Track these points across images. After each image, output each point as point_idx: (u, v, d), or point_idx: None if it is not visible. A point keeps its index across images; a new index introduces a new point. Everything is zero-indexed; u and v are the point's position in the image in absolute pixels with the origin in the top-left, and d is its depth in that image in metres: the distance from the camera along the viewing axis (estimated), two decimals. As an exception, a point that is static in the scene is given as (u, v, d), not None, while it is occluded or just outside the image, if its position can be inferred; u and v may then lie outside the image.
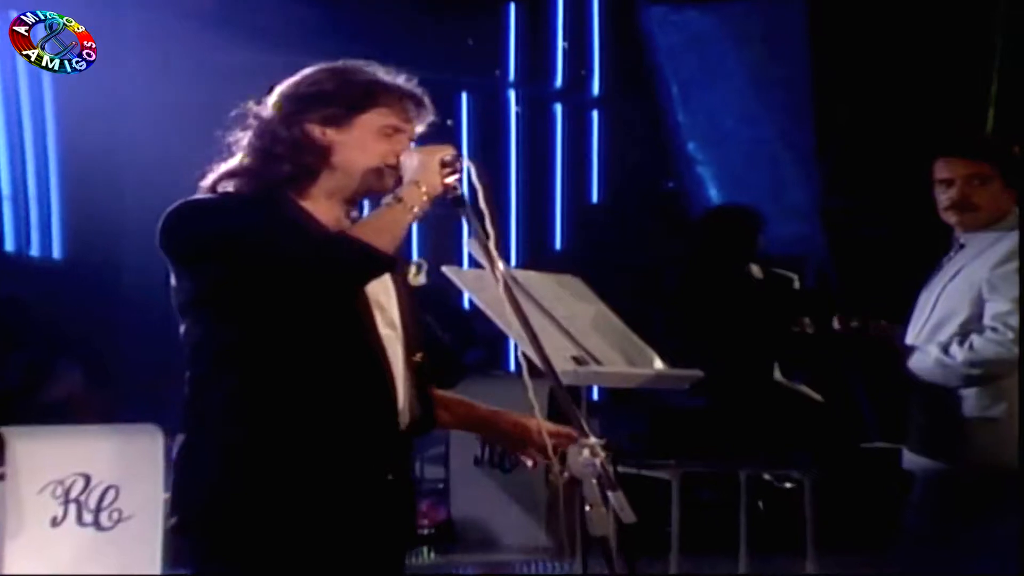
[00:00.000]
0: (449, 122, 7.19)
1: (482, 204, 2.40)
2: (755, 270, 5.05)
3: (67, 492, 4.21)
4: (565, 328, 3.28)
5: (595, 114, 8.41)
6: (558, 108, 8.36)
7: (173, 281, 2.43)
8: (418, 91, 2.50)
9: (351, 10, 6.88)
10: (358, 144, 2.46)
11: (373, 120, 2.46)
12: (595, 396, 5.96)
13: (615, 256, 7.37)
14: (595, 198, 8.44)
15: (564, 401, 2.35)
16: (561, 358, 3.14)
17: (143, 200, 6.25)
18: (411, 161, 2.43)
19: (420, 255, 2.59)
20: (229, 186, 2.44)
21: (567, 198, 8.30)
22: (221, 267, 2.33)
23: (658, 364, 3.41)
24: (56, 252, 6.74)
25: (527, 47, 8.18)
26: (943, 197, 3.69)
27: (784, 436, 4.88)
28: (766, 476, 5.28)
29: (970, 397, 3.58)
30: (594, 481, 2.28)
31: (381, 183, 2.46)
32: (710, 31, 7.65)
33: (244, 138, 2.46)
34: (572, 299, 3.44)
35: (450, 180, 2.41)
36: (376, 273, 2.39)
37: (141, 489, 4.25)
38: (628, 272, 6.84)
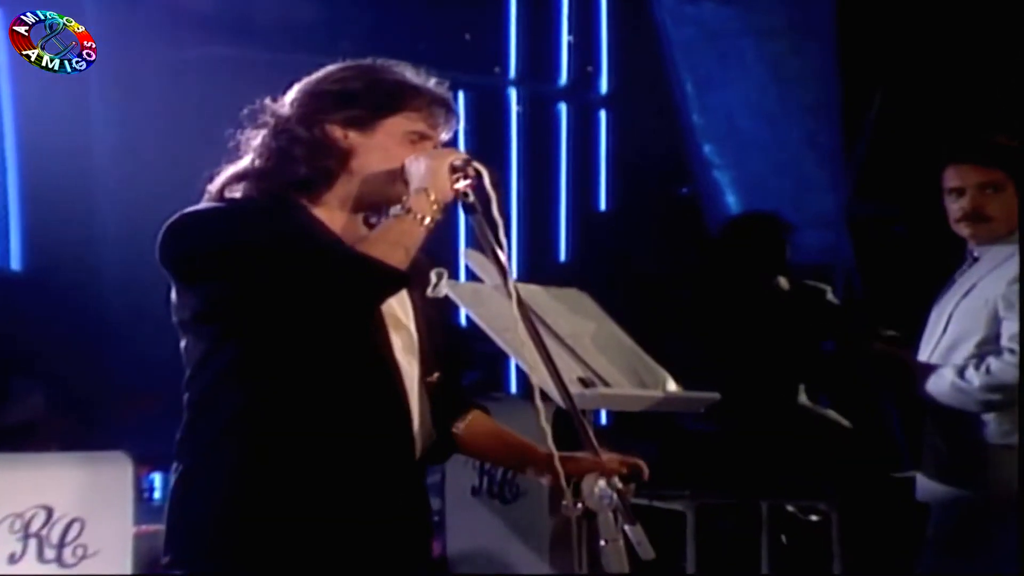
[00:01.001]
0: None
1: (495, 213, 2.41)
2: (783, 282, 5.04)
3: (27, 526, 4.19)
4: (570, 347, 3.28)
5: (603, 114, 8.40)
6: (563, 108, 8.35)
7: (174, 296, 2.44)
8: (448, 96, 2.52)
9: (338, 3, 6.88)
10: (381, 149, 2.47)
11: (399, 125, 2.48)
12: (603, 420, 5.95)
13: (624, 268, 7.36)
14: (603, 205, 8.42)
15: (580, 426, 2.34)
16: (565, 380, 3.13)
17: (116, 206, 6.30)
18: (417, 167, 2.43)
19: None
20: (238, 190, 2.45)
21: (572, 205, 8.28)
22: (227, 285, 2.34)
23: (671, 386, 3.41)
24: (14, 263, 6.72)
25: (529, 41, 8.17)
26: (954, 207, 3.71)
27: (809, 464, 4.87)
28: (789, 508, 5.26)
29: (990, 423, 3.59)
30: (610, 514, 2.27)
31: (399, 192, 2.46)
32: (728, 24, 7.64)
33: (257, 137, 2.48)
34: (577, 315, 3.44)
35: (460, 186, 2.40)
36: (389, 293, 2.39)
37: (108, 523, 4.24)
38: (639, 286, 6.84)
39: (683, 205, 7.95)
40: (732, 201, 7.66)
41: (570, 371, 3.21)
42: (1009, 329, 3.58)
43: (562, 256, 8.22)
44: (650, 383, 3.38)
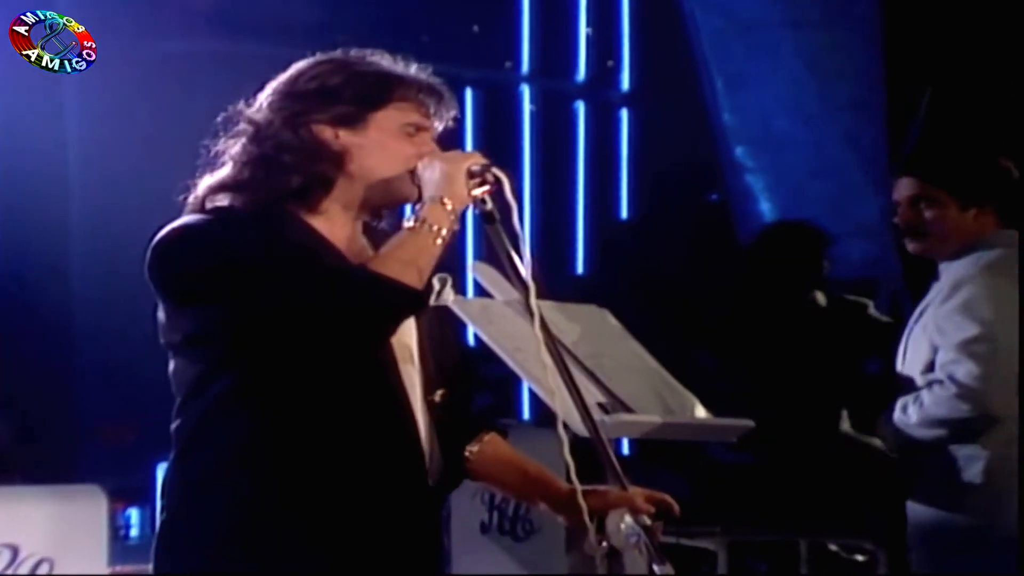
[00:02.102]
0: (451, 122, 7.19)
1: (516, 223, 2.41)
2: (820, 298, 5.03)
3: (-9, 566, 4.19)
4: (589, 369, 3.27)
5: (624, 113, 8.40)
6: (580, 106, 8.35)
7: (162, 316, 2.42)
8: (437, 82, 2.51)
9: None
10: (377, 147, 2.46)
11: (392, 118, 2.47)
12: (625, 450, 5.93)
13: (649, 283, 7.35)
14: (624, 213, 8.42)
15: (605, 456, 2.34)
16: (585, 404, 3.13)
17: (91, 210, 6.30)
18: (431, 172, 2.43)
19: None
20: (223, 201, 2.44)
21: (591, 213, 8.28)
22: (227, 306, 2.33)
23: (701, 412, 3.40)
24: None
25: (544, 33, 8.17)
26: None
27: (853, 498, 4.84)
28: (832, 546, 5.24)
29: (943, 460, 3.66)
30: (637, 553, 2.24)
31: (405, 192, 2.46)
32: (762, 14, 7.65)
33: (236, 146, 2.47)
34: (596, 334, 3.42)
35: (479, 192, 2.40)
36: (407, 315, 2.39)
37: (80, 563, 4.22)
38: (664, 302, 6.82)
39: (712, 213, 7.95)
40: (766, 208, 7.65)
41: (589, 396, 3.20)
42: (940, 358, 3.65)
43: (579, 268, 8.22)
44: (677, 409, 3.36)
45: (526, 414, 6.98)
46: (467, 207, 2.41)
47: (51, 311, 6.22)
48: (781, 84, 7.63)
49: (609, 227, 8.32)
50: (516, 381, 5.78)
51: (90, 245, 6.06)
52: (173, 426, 2.41)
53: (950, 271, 3.76)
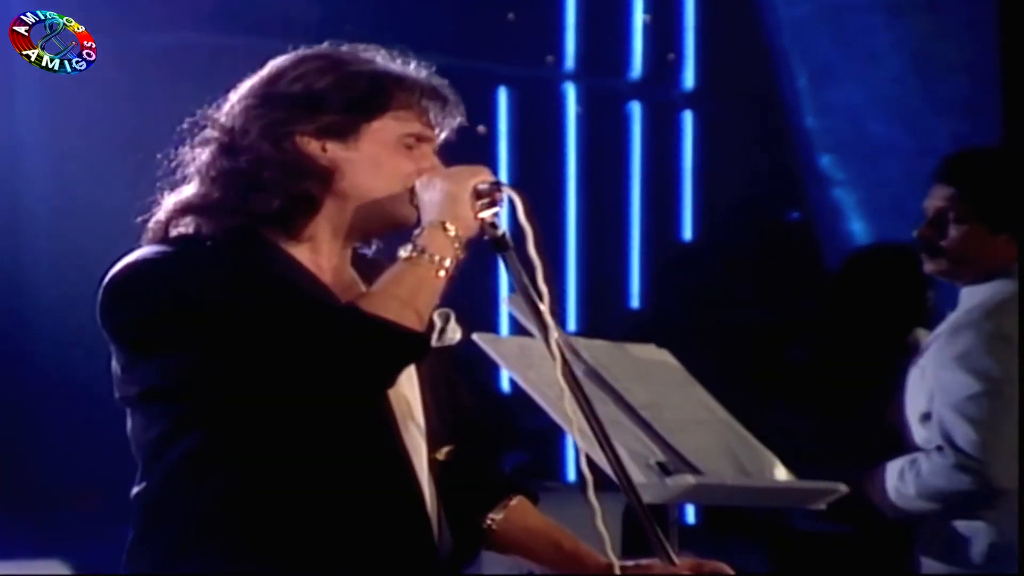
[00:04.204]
0: (482, 129, 7.20)
1: (532, 251, 2.41)
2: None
3: (-65, 655, 4.20)
4: (646, 421, 3.28)
5: (687, 116, 8.39)
6: (635, 108, 8.34)
7: (116, 367, 2.43)
8: (442, 84, 2.52)
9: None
10: (371, 163, 2.48)
11: (388, 129, 2.48)
12: (689, 518, 5.91)
13: (716, 317, 7.33)
14: (687, 234, 8.40)
15: (647, 524, 2.34)
16: (641, 464, 3.13)
17: (51, 237, 6.33)
18: (431, 192, 2.43)
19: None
20: (189, 226, 2.44)
21: (647, 234, 8.26)
22: (193, 355, 2.33)
23: (781, 473, 3.40)
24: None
25: (592, 23, 8.18)
26: None
27: None
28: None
29: (943, 535, 3.77)
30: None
31: (403, 215, 2.48)
32: (854, -1, 7.65)
33: (202, 156, 2.47)
34: (655, 380, 3.43)
35: (487, 214, 2.41)
36: (406, 364, 2.40)
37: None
38: (736, 340, 6.80)
39: (793, 234, 7.92)
40: (858, 229, 7.62)
41: (645, 453, 3.19)
42: (939, 415, 3.79)
43: (634, 302, 8.20)
44: (752, 469, 3.36)
45: (571, 475, 6.95)
46: (474, 233, 2.42)
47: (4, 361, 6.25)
48: (877, 80, 7.60)
49: (669, 252, 8.30)
50: (560, 435, 5.78)
51: (50, 271, 6.08)
52: (133, 492, 2.42)
53: (966, 300, 3.89)
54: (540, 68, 8.04)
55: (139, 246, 2.46)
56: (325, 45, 2.53)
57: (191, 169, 2.49)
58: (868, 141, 7.66)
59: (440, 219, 2.39)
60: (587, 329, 6.99)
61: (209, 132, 2.48)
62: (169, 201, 2.49)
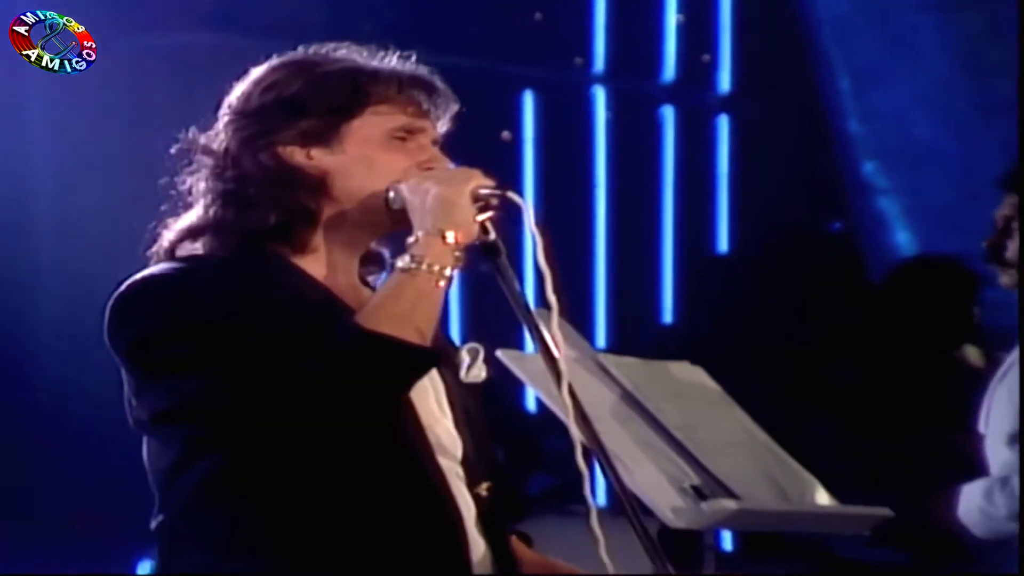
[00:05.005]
0: (506, 135, 7.21)
1: (541, 260, 2.41)
2: (972, 353, 5.00)
3: None
4: (680, 443, 3.27)
5: (723, 120, 8.39)
6: (668, 112, 8.34)
7: (128, 391, 2.46)
8: (423, 72, 2.54)
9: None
10: (362, 163, 2.49)
11: (372, 126, 2.50)
12: (726, 545, 5.89)
13: (753, 333, 7.32)
14: (723, 246, 8.39)
15: (649, 549, 2.33)
16: (674, 488, 3.13)
17: (57, 249, 6.33)
18: (422, 196, 2.44)
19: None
20: (197, 248, 2.48)
21: (680, 246, 8.26)
22: (201, 376, 2.35)
23: (822, 497, 3.39)
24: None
25: (623, 22, 8.19)
26: None
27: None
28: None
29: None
30: None
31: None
32: (899, -5, 7.64)
33: (200, 181, 2.51)
34: (690, 399, 3.43)
35: (483, 218, 2.44)
36: (412, 381, 2.40)
37: None
38: (774, 358, 6.79)
39: (834, 245, 7.91)
40: (903, 239, 7.61)
41: (679, 477, 3.19)
42: None
43: (667, 316, 8.20)
44: (793, 493, 3.36)
45: (602, 499, 6.95)
46: (474, 239, 2.43)
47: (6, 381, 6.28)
48: (924, 83, 7.59)
49: (703, 265, 8.29)
50: (588, 457, 5.76)
51: (58, 280, 6.10)
52: (153, 525, 2.42)
53: None
54: (568, 70, 8.04)
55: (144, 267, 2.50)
56: (299, 50, 2.56)
57: (191, 196, 2.53)
58: (914, 147, 7.65)
59: (437, 226, 2.39)
60: (617, 346, 6.98)
61: (198, 156, 2.52)
62: (173, 227, 2.53)
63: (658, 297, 8.19)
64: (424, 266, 2.38)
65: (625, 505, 2.43)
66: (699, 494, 3.19)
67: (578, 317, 3.45)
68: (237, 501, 2.37)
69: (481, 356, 2.53)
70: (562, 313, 2.45)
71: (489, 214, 2.45)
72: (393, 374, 2.36)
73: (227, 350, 2.34)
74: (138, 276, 2.45)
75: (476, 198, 2.44)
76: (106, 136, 5.86)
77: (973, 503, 3.88)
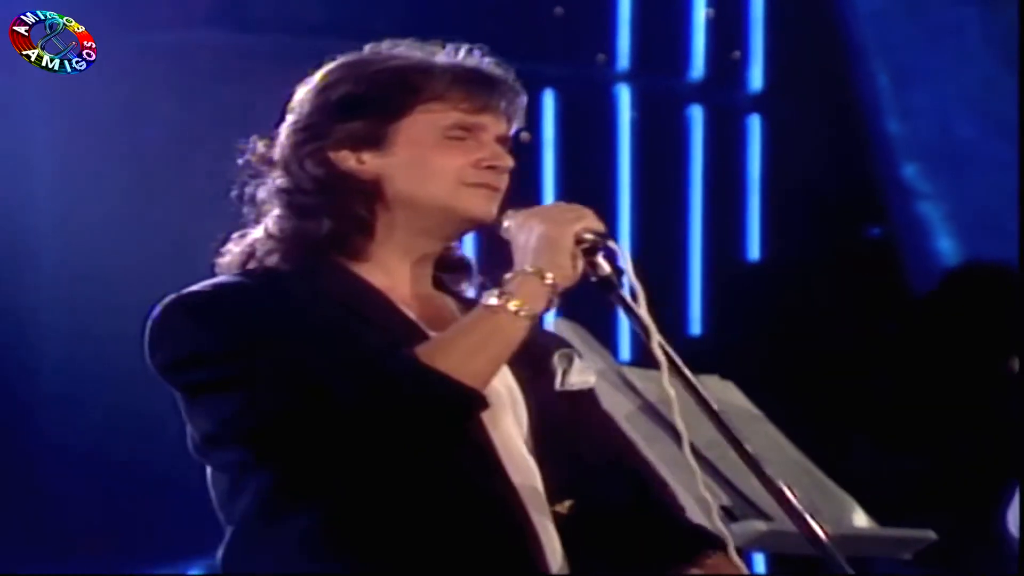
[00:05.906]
0: (526, 135, 7.21)
1: (645, 315, 2.59)
2: (1017, 364, 5.00)
3: None
4: (710, 461, 3.26)
5: (754, 120, 8.39)
6: (696, 112, 8.35)
7: (185, 416, 2.50)
8: (481, 64, 2.56)
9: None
10: (414, 164, 2.50)
11: (425, 124, 2.51)
12: (759, 568, 5.88)
13: (786, 344, 7.31)
14: (754, 252, 8.39)
15: None
16: (703, 509, 3.12)
17: (57, 253, 6.34)
18: (527, 233, 2.46)
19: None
20: (267, 261, 2.53)
21: (709, 252, 8.25)
22: (241, 398, 2.37)
23: (861, 518, 3.39)
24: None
25: (648, 17, 8.19)
26: None
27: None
28: None
29: None
30: None
31: (469, 210, 2.50)
32: (940, -12, 7.64)
33: (261, 192, 2.56)
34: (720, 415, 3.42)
35: (594, 258, 2.50)
36: (457, 422, 2.41)
37: None
38: (808, 370, 6.78)
39: (873, 252, 7.90)
40: (946, 246, 7.59)
41: (710, 496, 3.18)
42: None
43: (695, 327, 8.19)
44: (829, 514, 3.35)
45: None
46: (573, 283, 2.46)
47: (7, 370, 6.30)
48: (967, 80, 7.59)
49: (733, 272, 8.29)
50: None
51: (59, 292, 6.14)
52: (219, 555, 2.48)
53: None
54: (590, 68, 8.05)
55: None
56: (365, 49, 2.56)
57: (257, 208, 2.57)
58: (957, 148, 7.64)
59: (537, 265, 2.41)
60: (642, 358, 6.98)
61: (262, 166, 2.56)
62: (241, 241, 2.57)
63: (685, 307, 8.19)
64: (511, 303, 2.39)
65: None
66: (730, 515, 3.19)
67: (601, 328, 3.44)
68: (290, 522, 2.39)
69: (576, 361, 2.54)
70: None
71: (596, 255, 2.49)
72: (437, 415, 2.37)
73: (262, 372, 2.35)
74: (180, 293, 2.48)
75: (579, 240, 2.45)
76: (106, 136, 5.88)
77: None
